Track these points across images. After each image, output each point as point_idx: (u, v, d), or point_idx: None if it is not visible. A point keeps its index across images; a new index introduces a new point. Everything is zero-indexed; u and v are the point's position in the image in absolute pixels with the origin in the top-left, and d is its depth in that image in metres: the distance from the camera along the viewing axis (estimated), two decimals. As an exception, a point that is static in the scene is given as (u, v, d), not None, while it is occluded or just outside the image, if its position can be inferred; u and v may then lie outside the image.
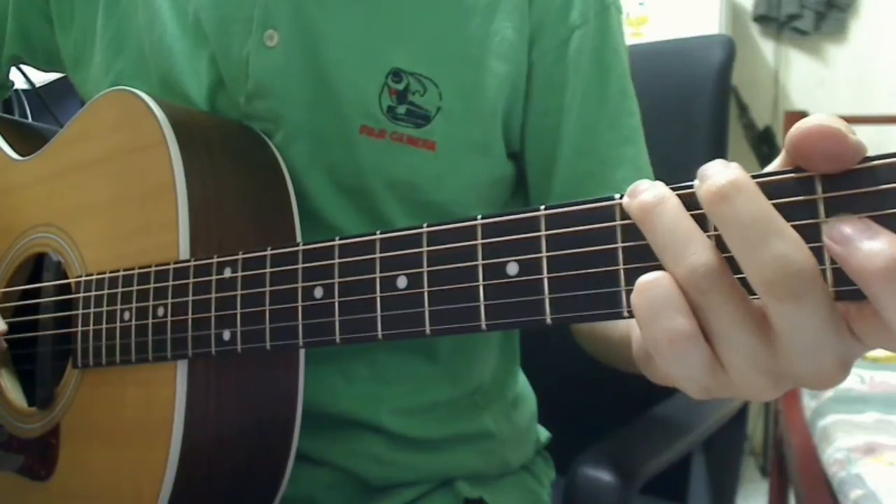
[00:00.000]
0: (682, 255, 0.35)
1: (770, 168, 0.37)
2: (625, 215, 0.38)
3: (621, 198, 0.38)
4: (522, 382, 0.89)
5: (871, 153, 0.33)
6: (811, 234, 0.33)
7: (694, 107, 1.05)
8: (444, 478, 0.77)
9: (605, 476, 0.71)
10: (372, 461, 0.74)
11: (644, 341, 0.37)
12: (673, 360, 0.36)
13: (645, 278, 0.36)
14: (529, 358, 0.91)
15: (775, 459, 2.13)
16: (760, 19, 3.11)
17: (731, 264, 0.35)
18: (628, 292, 0.38)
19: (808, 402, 1.81)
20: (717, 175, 0.34)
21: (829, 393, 1.74)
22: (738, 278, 0.35)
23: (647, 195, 0.36)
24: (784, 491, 2.06)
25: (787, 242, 0.32)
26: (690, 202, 0.36)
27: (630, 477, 0.73)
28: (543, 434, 0.92)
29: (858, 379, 1.81)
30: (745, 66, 3.00)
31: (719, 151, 1.04)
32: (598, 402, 1.09)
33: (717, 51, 1.05)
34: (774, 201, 0.34)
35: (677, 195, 0.36)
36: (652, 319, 0.36)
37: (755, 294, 0.34)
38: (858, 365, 1.87)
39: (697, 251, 0.35)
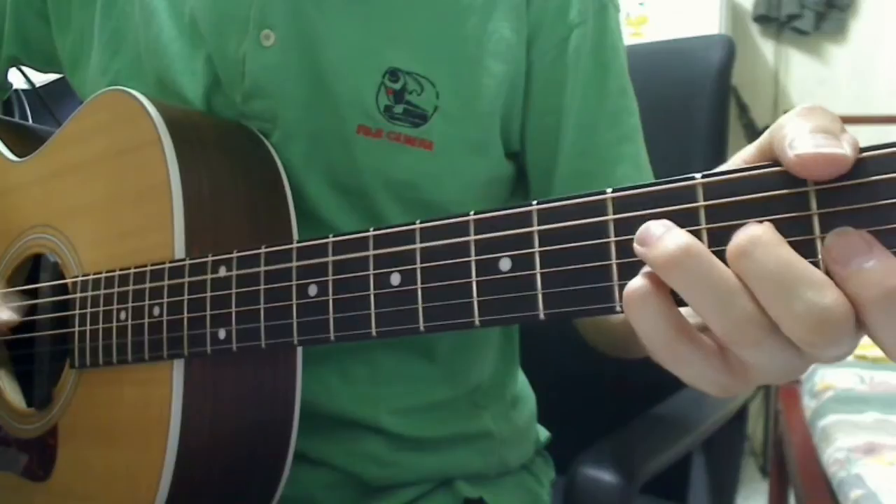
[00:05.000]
0: (729, 310, 0.33)
1: (751, 151, 0.37)
2: (617, 209, 0.38)
3: (613, 191, 0.38)
4: (522, 382, 0.89)
5: None
6: (803, 229, 0.33)
7: (694, 107, 1.05)
8: (444, 478, 0.77)
9: (605, 476, 0.71)
10: (371, 461, 0.74)
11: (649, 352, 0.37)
12: (704, 386, 0.37)
13: (633, 296, 0.35)
14: (529, 358, 0.91)
15: (775, 459, 2.13)
16: (760, 19, 3.12)
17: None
18: (621, 286, 0.37)
19: (808, 402, 1.81)
20: (739, 233, 0.33)
21: (829, 393, 1.74)
22: None
23: (669, 244, 0.34)
24: (784, 491, 2.05)
25: (818, 291, 0.32)
26: (689, 197, 0.36)
27: (630, 477, 0.72)
28: (543, 434, 0.92)
29: (858, 379, 1.81)
30: (745, 66, 3.00)
31: (719, 151, 1.04)
32: (598, 402, 1.09)
33: (717, 51, 1.05)
34: (762, 194, 0.34)
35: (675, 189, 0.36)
36: (654, 340, 0.36)
37: None
38: (858, 365, 1.87)
39: (743, 304, 0.33)
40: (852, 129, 0.33)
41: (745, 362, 0.35)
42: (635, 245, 0.35)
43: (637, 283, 0.35)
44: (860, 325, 0.33)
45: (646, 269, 0.36)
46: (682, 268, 0.34)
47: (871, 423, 1.53)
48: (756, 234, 0.33)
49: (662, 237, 0.34)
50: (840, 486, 1.31)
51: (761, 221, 0.34)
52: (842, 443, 1.43)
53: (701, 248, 0.34)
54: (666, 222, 0.35)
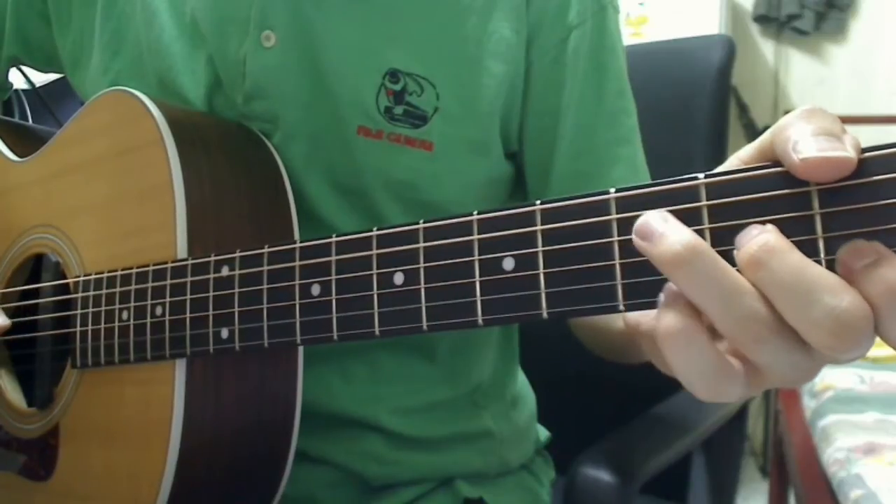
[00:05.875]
0: (736, 309, 0.34)
1: (750, 152, 0.37)
2: (620, 209, 0.38)
3: (617, 191, 0.38)
4: (522, 382, 0.89)
5: None
6: (805, 229, 0.34)
7: (694, 107, 1.05)
8: (444, 477, 0.77)
9: (605, 476, 0.71)
10: (372, 460, 0.74)
11: (682, 382, 0.37)
12: (715, 397, 0.36)
13: (674, 332, 0.35)
14: (529, 357, 0.91)
15: (775, 459, 2.13)
16: (760, 19, 3.12)
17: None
18: (624, 286, 0.38)
19: (808, 402, 1.81)
20: (750, 242, 0.33)
21: (829, 393, 1.74)
22: None
23: (674, 242, 0.34)
24: (784, 491, 2.06)
25: (834, 295, 0.32)
26: (692, 196, 0.36)
27: (630, 477, 0.73)
28: (543, 433, 0.92)
29: (858, 379, 1.81)
30: (745, 66, 3.00)
31: (719, 151, 1.04)
32: (598, 402, 1.09)
33: (717, 51, 1.05)
34: (764, 194, 0.34)
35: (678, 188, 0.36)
36: (690, 372, 0.36)
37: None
38: (858, 365, 1.87)
39: (750, 303, 0.33)
40: (852, 129, 0.33)
41: (755, 364, 0.35)
42: (635, 238, 0.35)
43: (672, 320, 0.35)
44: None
45: (673, 299, 0.35)
46: (689, 267, 0.34)
47: (871, 423, 1.53)
48: (768, 243, 0.33)
49: (665, 234, 0.34)
50: (840, 486, 1.31)
51: (764, 222, 0.34)
52: (842, 443, 1.44)
53: (706, 246, 0.34)
54: (664, 214, 0.35)
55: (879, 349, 1.88)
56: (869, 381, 1.80)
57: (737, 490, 1.10)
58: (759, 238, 0.33)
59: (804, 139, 0.33)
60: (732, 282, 0.34)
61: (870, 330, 0.32)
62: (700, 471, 1.00)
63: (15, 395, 0.72)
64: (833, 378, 1.81)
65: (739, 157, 0.38)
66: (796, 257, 0.33)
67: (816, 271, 0.32)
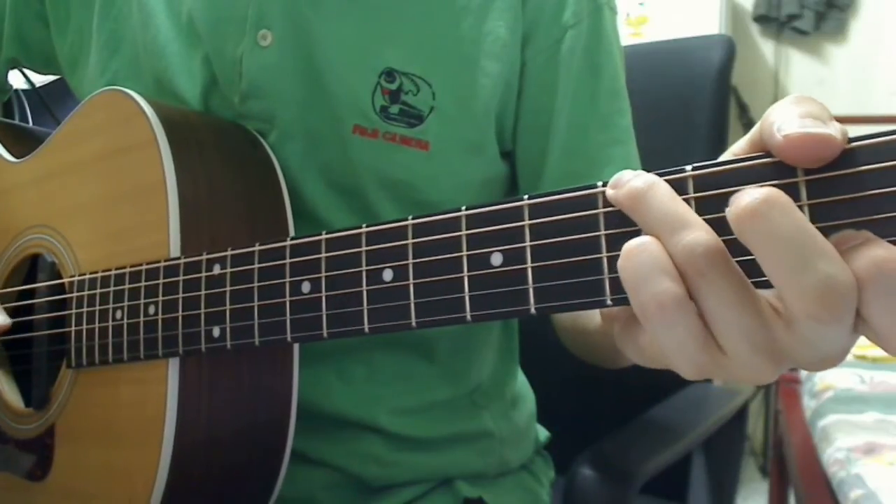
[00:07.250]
0: (679, 236, 0.34)
1: (742, 145, 0.37)
2: (608, 203, 0.38)
3: (604, 185, 0.38)
4: (521, 382, 0.89)
5: None
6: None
7: (694, 107, 1.05)
8: (444, 477, 0.77)
9: (604, 476, 0.71)
10: (371, 461, 0.74)
11: (634, 309, 0.37)
12: (661, 326, 0.36)
13: (631, 243, 0.36)
14: (529, 358, 0.91)
15: (775, 459, 2.13)
16: (760, 19, 3.12)
17: (730, 247, 0.34)
18: (611, 280, 0.38)
19: (808, 402, 1.81)
20: (749, 194, 0.32)
21: (829, 393, 1.74)
22: (739, 261, 0.34)
23: (636, 182, 0.36)
24: (784, 491, 2.05)
25: (829, 260, 0.31)
26: (680, 188, 0.36)
27: (629, 477, 0.73)
28: (542, 433, 0.92)
29: (858, 379, 1.80)
30: (745, 66, 3.00)
31: (719, 151, 1.03)
32: (598, 402, 1.09)
33: (717, 51, 1.05)
34: (757, 186, 0.34)
35: (666, 181, 0.37)
36: (639, 283, 0.35)
37: (756, 277, 0.34)
38: (858, 365, 1.87)
39: (694, 232, 0.34)
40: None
41: (706, 315, 0.35)
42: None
43: (637, 240, 0.36)
44: (858, 319, 0.33)
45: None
46: (644, 198, 0.36)
47: (871, 423, 1.53)
48: (771, 195, 0.32)
49: (631, 180, 0.37)
50: (840, 486, 1.31)
51: None
52: (842, 443, 1.43)
53: (664, 183, 0.36)
54: (639, 171, 0.37)
55: (879, 349, 1.87)
56: (869, 381, 1.80)
57: (737, 490, 1.10)
58: (762, 190, 0.32)
59: (788, 120, 0.33)
60: (681, 213, 0.35)
61: (853, 304, 0.32)
62: (700, 471, 1.00)
63: (12, 396, 0.72)
64: (833, 378, 1.81)
65: (732, 152, 0.38)
66: (799, 215, 0.32)
67: (815, 233, 0.32)
